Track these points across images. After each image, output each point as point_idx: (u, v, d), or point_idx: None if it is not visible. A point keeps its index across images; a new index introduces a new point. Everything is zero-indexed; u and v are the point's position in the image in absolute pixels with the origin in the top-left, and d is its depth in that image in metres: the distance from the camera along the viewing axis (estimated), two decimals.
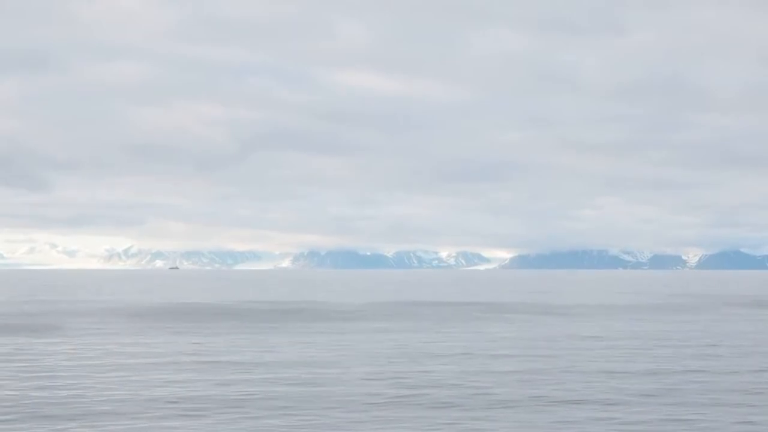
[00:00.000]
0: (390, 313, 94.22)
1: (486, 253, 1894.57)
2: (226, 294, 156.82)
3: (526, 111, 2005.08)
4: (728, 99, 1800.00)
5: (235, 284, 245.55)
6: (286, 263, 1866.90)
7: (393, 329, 70.45)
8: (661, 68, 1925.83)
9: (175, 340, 59.70)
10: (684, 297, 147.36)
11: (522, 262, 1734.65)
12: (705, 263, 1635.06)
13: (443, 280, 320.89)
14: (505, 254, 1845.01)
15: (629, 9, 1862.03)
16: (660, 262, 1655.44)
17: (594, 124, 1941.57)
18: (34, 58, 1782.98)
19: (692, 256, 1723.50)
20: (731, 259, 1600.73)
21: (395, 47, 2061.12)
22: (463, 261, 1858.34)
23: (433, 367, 44.78)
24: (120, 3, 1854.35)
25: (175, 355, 50.16)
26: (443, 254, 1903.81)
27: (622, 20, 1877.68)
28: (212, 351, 53.12)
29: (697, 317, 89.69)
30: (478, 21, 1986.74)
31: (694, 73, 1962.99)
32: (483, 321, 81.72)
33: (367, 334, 65.54)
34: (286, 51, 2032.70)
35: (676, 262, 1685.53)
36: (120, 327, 72.66)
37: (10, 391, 36.17)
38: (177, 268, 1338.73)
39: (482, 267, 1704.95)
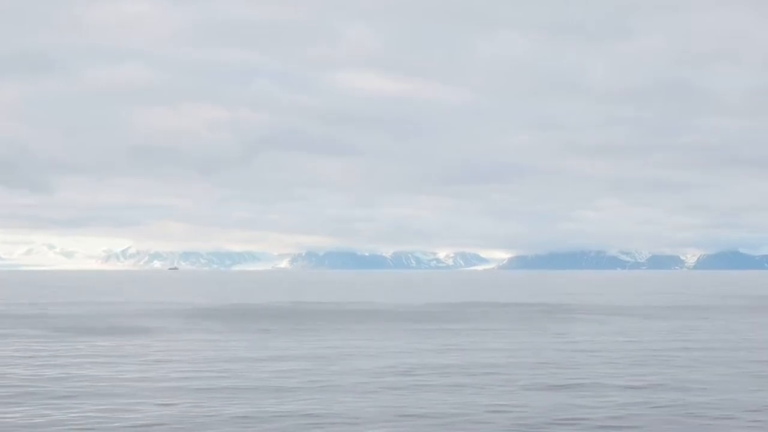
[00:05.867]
0: (463, 313, 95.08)
1: (484, 253, 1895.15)
2: (266, 295, 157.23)
3: (531, 114, 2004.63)
4: (733, 102, 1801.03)
5: (259, 285, 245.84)
6: (284, 264, 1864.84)
7: (497, 329, 71.28)
8: (667, 72, 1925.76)
9: (296, 339, 60.52)
10: (736, 298, 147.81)
11: (520, 262, 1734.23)
12: (703, 263, 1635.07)
13: (461, 281, 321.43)
14: (503, 255, 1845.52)
15: (636, 13, 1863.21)
16: (658, 262, 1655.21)
17: (599, 127, 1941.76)
18: (37, 61, 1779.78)
19: (690, 256, 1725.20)
20: (730, 259, 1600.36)
21: (401, 50, 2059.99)
22: (461, 261, 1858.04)
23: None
24: (124, 6, 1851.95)
25: (333, 353, 51.13)
26: (441, 255, 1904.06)
27: (629, 24, 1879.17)
28: (369, 352, 53.69)
29: None
30: (485, 24, 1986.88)
31: (701, 76, 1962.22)
32: (569, 322, 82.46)
33: (484, 334, 66.64)
34: (291, 54, 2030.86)
35: (674, 262, 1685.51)
36: (213, 327, 73.32)
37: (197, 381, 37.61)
38: (176, 268, 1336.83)
39: (480, 267, 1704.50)
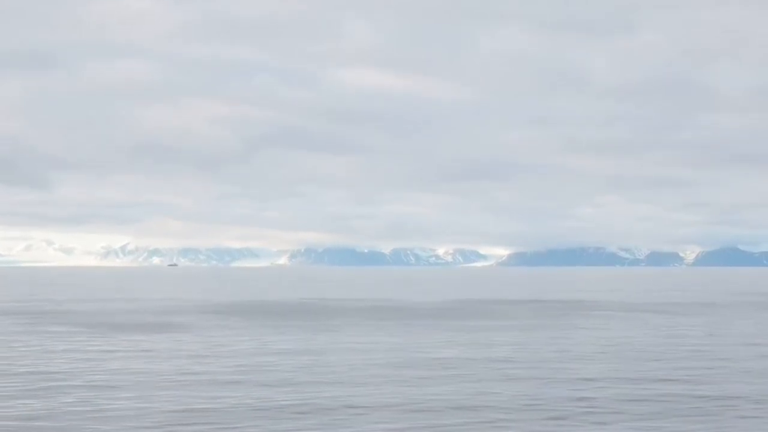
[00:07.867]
0: (485, 310, 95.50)
1: (483, 250, 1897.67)
2: (277, 291, 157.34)
3: (531, 111, 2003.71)
4: (734, 100, 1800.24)
5: (264, 281, 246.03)
6: (283, 260, 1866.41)
7: (525, 326, 71.78)
8: (668, 69, 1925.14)
9: (332, 335, 60.85)
10: (746, 295, 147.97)
11: (519, 259, 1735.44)
12: (702, 260, 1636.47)
13: (464, 277, 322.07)
14: (502, 252, 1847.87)
15: (637, 10, 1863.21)
16: (657, 259, 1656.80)
17: (599, 124, 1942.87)
18: (37, 58, 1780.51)
19: (690, 253, 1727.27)
20: (728, 256, 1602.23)
21: (402, 46, 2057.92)
22: (460, 258, 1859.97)
23: None
24: (125, 3, 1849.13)
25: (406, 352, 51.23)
26: (440, 251, 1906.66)
27: (630, 21, 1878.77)
28: (434, 347, 53.62)
29: None
30: (486, 21, 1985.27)
31: (701, 74, 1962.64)
32: (592, 318, 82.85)
33: (515, 330, 66.92)
34: (291, 51, 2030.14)
35: (673, 259, 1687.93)
36: (237, 323, 73.21)
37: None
38: (176, 265, 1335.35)
39: (479, 264, 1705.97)
